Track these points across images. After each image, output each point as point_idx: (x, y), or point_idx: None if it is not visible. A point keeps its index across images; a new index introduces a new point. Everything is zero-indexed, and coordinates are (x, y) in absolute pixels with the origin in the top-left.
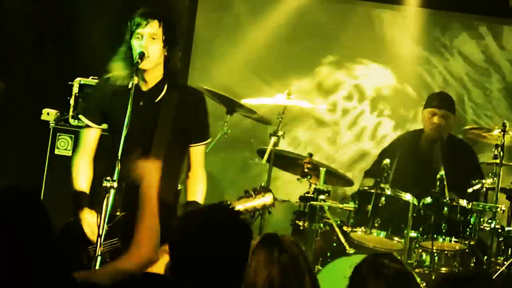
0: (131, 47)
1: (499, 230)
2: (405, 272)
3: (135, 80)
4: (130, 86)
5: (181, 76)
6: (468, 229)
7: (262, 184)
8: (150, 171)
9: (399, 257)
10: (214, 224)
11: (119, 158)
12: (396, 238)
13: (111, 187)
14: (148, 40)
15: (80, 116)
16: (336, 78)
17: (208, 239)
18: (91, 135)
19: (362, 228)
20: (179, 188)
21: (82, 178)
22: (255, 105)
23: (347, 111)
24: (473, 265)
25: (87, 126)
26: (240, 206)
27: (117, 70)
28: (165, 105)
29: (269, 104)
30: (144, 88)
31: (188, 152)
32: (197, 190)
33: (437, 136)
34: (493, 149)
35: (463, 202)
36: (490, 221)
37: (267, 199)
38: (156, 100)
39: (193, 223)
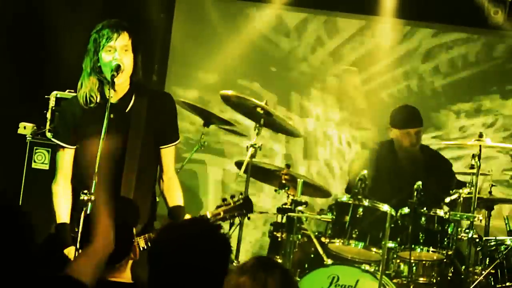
0: (99, 60)
1: (477, 240)
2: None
3: (112, 93)
4: (108, 98)
5: (158, 87)
6: (445, 239)
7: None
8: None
9: (376, 268)
10: (192, 238)
11: (96, 171)
12: (374, 249)
13: (89, 200)
14: (121, 52)
15: (54, 140)
16: (311, 88)
17: (185, 253)
18: (67, 156)
19: (340, 239)
20: (157, 200)
21: (63, 207)
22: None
23: (320, 120)
24: (451, 275)
25: (62, 147)
26: (218, 213)
27: (84, 86)
28: (135, 115)
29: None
30: (113, 100)
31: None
32: (177, 194)
33: (414, 152)
34: (470, 159)
35: (441, 212)
36: (467, 230)
37: (245, 206)
38: (126, 111)
39: (171, 237)
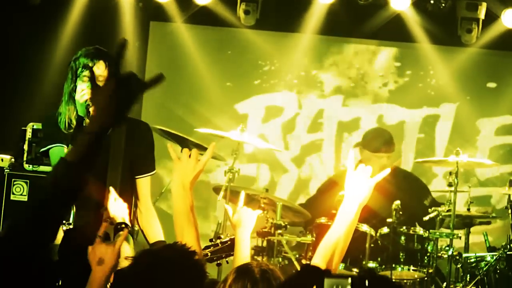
0: (76, 88)
1: (457, 257)
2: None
3: (87, 122)
4: (84, 124)
5: (134, 115)
6: (426, 257)
7: (219, 221)
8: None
9: None
10: (167, 262)
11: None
12: (354, 269)
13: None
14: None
15: (48, 147)
16: (285, 109)
17: (160, 277)
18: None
19: None
20: (136, 229)
21: None
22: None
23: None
24: None
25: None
26: (205, 254)
27: (62, 113)
28: (114, 140)
29: (222, 139)
30: None
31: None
32: (156, 229)
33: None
34: (447, 177)
35: (420, 231)
36: (447, 248)
37: (232, 247)
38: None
39: (147, 262)
